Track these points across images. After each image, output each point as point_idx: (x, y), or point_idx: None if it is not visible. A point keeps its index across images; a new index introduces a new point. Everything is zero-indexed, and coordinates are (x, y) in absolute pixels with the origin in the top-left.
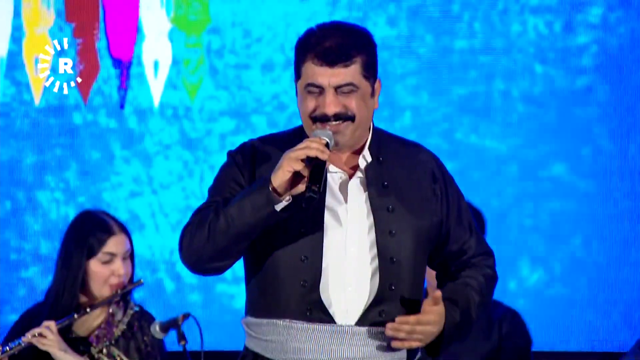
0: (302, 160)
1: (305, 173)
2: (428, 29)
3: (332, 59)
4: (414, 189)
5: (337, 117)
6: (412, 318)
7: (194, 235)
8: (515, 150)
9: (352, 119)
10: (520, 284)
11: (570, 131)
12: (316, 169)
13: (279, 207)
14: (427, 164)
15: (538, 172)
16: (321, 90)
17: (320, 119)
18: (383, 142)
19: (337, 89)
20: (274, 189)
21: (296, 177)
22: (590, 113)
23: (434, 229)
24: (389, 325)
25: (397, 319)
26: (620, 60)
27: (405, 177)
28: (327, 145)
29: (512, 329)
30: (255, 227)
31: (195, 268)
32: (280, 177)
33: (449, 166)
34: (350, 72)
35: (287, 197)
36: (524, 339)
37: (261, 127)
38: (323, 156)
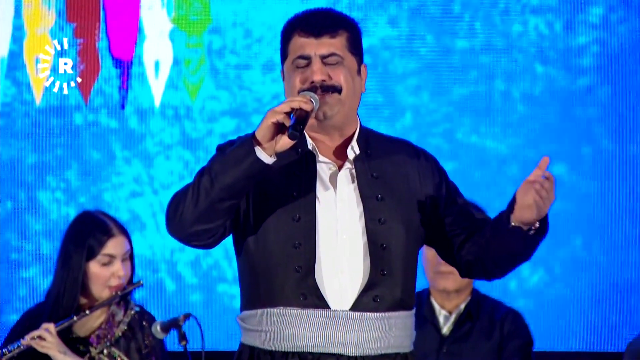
0: (286, 114)
1: (288, 123)
2: (429, 29)
3: (318, 30)
4: (403, 183)
5: (324, 87)
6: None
7: (179, 200)
8: (516, 150)
9: (338, 90)
10: (521, 284)
11: (571, 131)
12: (300, 118)
13: (262, 158)
14: (416, 159)
15: None
16: (308, 62)
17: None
18: (371, 138)
19: (323, 59)
20: (258, 143)
21: (280, 132)
22: (591, 113)
23: (424, 222)
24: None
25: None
26: (620, 60)
27: (393, 171)
28: (311, 102)
29: (514, 329)
30: (239, 180)
31: (180, 234)
32: (263, 128)
33: (450, 166)
34: (336, 43)
35: (272, 155)
36: (526, 339)
37: None
38: (307, 107)
